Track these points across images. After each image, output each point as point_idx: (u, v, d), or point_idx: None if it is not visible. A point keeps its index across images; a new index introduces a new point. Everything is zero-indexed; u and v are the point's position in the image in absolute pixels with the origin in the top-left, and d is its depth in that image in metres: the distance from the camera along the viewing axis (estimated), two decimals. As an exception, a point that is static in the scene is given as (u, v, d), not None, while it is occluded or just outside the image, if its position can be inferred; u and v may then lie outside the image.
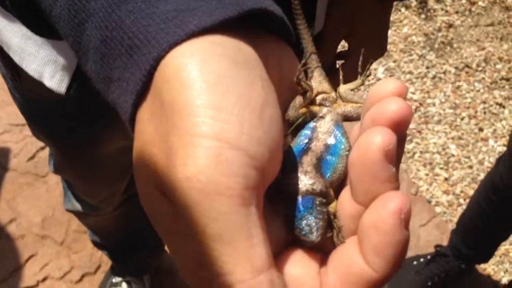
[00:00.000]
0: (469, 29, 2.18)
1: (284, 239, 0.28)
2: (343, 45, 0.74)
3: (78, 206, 1.09)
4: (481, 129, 1.95)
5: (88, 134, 0.77)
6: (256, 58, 0.26)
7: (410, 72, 2.08)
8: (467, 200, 1.75)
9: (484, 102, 2.00)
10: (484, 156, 1.89)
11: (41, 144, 1.71)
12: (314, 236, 0.27)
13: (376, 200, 0.25)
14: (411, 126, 1.95)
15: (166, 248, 1.49)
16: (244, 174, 0.23)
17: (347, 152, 0.29)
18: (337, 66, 0.75)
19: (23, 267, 1.54)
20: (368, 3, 0.69)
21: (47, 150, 1.44)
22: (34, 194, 1.67)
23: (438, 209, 1.78)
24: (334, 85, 0.34)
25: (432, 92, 2.03)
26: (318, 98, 0.32)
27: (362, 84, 0.34)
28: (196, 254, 0.24)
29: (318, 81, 0.33)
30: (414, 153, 1.90)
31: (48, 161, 1.02)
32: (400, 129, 0.26)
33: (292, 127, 0.30)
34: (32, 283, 1.52)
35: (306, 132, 0.30)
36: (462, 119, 1.97)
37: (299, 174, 0.28)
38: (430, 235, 1.72)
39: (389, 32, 2.17)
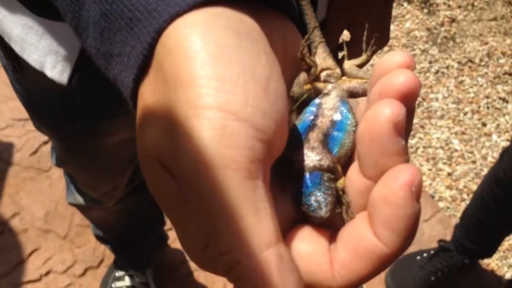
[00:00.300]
0: (472, 24, 2.17)
1: (292, 216, 0.28)
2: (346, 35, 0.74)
3: (80, 200, 1.09)
4: (484, 124, 1.94)
5: (90, 126, 0.77)
6: (259, 30, 0.26)
7: (413, 67, 2.07)
8: (471, 195, 1.75)
9: (487, 97, 2.00)
10: (487, 151, 1.89)
11: (44, 138, 1.71)
12: (323, 212, 0.26)
13: (386, 174, 0.25)
14: (414, 121, 1.95)
15: (168, 242, 1.49)
16: (250, 147, 0.23)
17: (353, 128, 0.29)
18: (340, 56, 0.75)
19: (26, 261, 1.54)
20: None
21: (49, 145, 1.44)
22: (37, 188, 1.67)
23: (441, 204, 1.78)
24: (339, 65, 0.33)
25: (435, 87, 2.02)
26: (323, 74, 0.31)
27: (368, 60, 0.34)
28: (202, 232, 0.24)
29: (322, 57, 0.32)
30: (417, 148, 1.89)
31: (51, 154, 1.02)
32: (409, 101, 0.25)
33: (297, 104, 0.30)
34: (35, 277, 1.52)
35: (312, 108, 0.30)
36: (465, 114, 1.97)
37: (305, 150, 0.28)
38: (434, 230, 1.72)
39: (392, 27, 2.16)
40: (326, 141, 0.28)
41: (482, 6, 2.22)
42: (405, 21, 2.19)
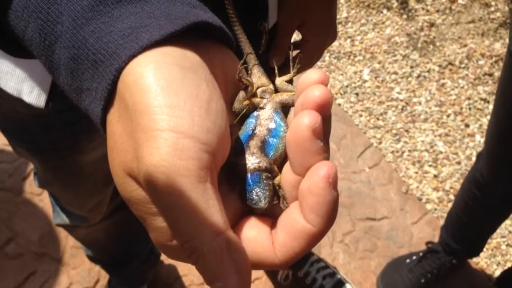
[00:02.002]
0: (450, 27, 2.22)
1: (240, 209, 0.34)
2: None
3: (66, 219, 1.11)
4: (467, 125, 1.98)
5: (69, 145, 0.80)
6: (200, 62, 0.31)
7: (395, 72, 2.11)
8: (457, 196, 1.78)
9: (469, 98, 2.04)
10: (471, 151, 1.92)
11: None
12: (263, 203, 0.32)
13: (309, 170, 0.31)
14: (399, 125, 1.98)
15: (162, 258, 1.51)
16: (198, 157, 0.28)
17: (286, 134, 0.34)
18: (290, 57, 0.81)
19: (23, 285, 1.56)
20: None
21: (40, 169, 1.47)
22: (31, 212, 1.69)
23: (429, 206, 1.81)
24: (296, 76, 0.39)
25: (418, 91, 2.06)
26: (259, 91, 0.37)
27: (294, 75, 0.39)
28: (167, 228, 0.29)
29: (257, 77, 0.38)
30: (403, 152, 1.93)
31: (34, 177, 1.05)
32: (324, 110, 0.31)
33: (238, 117, 0.36)
34: (32, 301, 1.55)
35: (251, 120, 0.36)
36: (448, 116, 2.00)
37: (247, 156, 0.34)
38: (422, 232, 1.75)
39: (372, 34, 2.20)
40: (264, 147, 0.34)
41: (459, 10, 2.26)
42: (385, 27, 2.23)
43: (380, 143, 1.95)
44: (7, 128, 0.80)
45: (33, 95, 0.62)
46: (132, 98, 0.29)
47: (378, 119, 2.01)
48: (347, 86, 2.08)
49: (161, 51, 0.30)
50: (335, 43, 2.19)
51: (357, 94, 2.07)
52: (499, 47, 2.15)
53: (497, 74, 2.09)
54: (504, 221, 1.45)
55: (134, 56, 0.30)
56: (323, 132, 0.31)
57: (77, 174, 0.91)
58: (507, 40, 2.16)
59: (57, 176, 0.92)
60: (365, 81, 2.10)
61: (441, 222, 1.76)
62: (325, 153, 0.31)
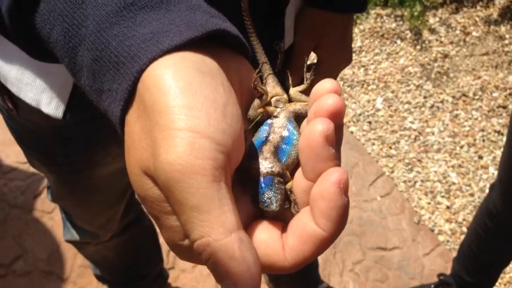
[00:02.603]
0: (464, 59, 2.22)
1: (252, 212, 0.34)
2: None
3: (76, 236, 1.12)
4: (480, 157, 1.97)
5: (84, 158, 0.80)
6: (218, 68, 0.32)
7: (408, 102, 2.11)
8: (470, 228, 1.76)
9: (483, 130, 2.03)
10: (485, 183, 1.90)
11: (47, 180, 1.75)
12: (274, 206, 0.33)
13: (321, 176, 0.31)
14: (411, 155, 1.97)
15: (169, 281, 1.50)
16: (213, 157, 0.29)
17: (298, 142, 0.35)
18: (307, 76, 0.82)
19: (29, 303, 1.55)
20: (331, 16, 0.76)
21: (53, 187, 1.47)
22: (40, 230, 1.69)
23: (441, 238, 1.79)
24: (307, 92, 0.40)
25: (431, 121, 2.06)
26: (273, 100, 0.38)
27: (308, 86, 0.40)
28: (179, 227, 0.30)
29: (272, 86, 0.39)
30: (415, 182, 1.91)
31: (47, 192, 1.05)
32: (336, 118, 0.32)
33: (252, 124, 0.37)
34: (38, 320, 1.53)
35: (265, 127, 0.37)
36: (461, 147, 1.99)
37: (260, 160, 0.35)
38: (434, 264, 1.72)
39: (386, 63, 2.22)
40: (277, 153, 0.35)
41: (473, 42, 2.28)
42: (399, 57, 2.24)
43: (393, 172, 1.94)
44: (24, 139, 0.81)
45: (51, 106, 0.63)
46: (151, 99, 0.30)
47: (390, 148, 2.00)
48: (360, 115, 2.09)
49: (181, 55, 0.31)
50: (349, 71, 2.20)
51: (370, 122, 2.07)
52: (513, 80, 2.15)
53: (511, 106, 2.08)
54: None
55: (154, 59, 0.31)
56: (335, 139, 0.32)
57: (90, 189, 0.91)
58: (521, 73, 2.16)
59: (70, 190, 0.92)
60: (378, 110, 2.10)
61: (454, 254, 1.73)
62: (337, 160, 0.32)
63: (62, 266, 1.63)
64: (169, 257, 1.63)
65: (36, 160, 0.85)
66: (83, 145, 0.77)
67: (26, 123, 0.75)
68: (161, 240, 1.41)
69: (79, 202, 0.97)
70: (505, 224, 1.30)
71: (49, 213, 1.73)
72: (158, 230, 1.34)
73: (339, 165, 0.32)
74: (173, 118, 0.29)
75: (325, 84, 0.33)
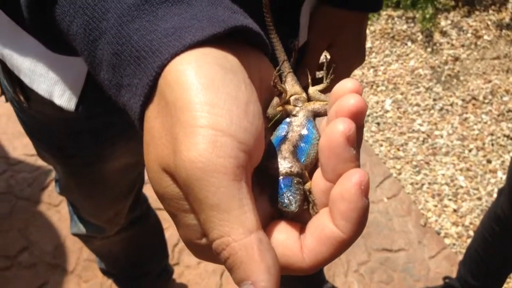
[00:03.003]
0: (475, 62, 2.21)
1: (270, 213, 0.34)
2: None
3: (83, 229, 1.12)
4: (489, 161, 1.95)
5: (94, 151, 0.81)
6: (239, 65, 0.32)
7: (418, 104, 2.10)
8: (476, 232, 1.75)
9: (492, 134, 2.02)
10: (493, 187, 1.89)
11: (55, 174, 1.75)
12: (293, 207, 0.32)
13: (341, 177, 0.31)
14: (419, 157, 1.96)
15: (174, 277, 1.50)
16: (235, 156, 0.28)
17: (317, 141, 0.35)
18: (320, 75, 0.81)
19: (34, 295, 1.56)
20: (346, 15, 0.75)
21: (60, 180, 1.48)
22: (47, 223, 1.70)
23: (447, 241, 1.78)
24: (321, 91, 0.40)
25: (440, 124, 2.05)
26: (292, 98, 0.38)
27: (327, 85, 0.40)
28: (197, 225, 0.30)
29: (291, 85, 0.39)
30: (423, 185, 1.90)
31: (55, 185, 1.06)
32: (358, 118, 0.31)
33: (272, 122, 0.36)
34: (42, 312, 1.54)
35: (283, 126, 0.36)
36: (470, 150, 1.98)
37: (279, 160, 0.34)
38: (440, 267, 1.71)
39: (396, 65, 2.21)
40: (296, 152, 0.35)
41: (485, 45, 2.26)
42: (409, 59, 2.23)
43: (400, 174, 1.93)
44: (34, 131, 0.81)
45: (64, 98, 0.63)
46: (173, 95, 0.29)
47: (398, 149, 1.99)
48: (368, 116, 2.08)
49: (203, 51, 0.31)
50: (358, 72, 2.19)
51: (378, 123, 2.06)
52: (524, 85, 2.14)
53: (521, 111, 2.07)
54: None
55: (176, 54, 0.30)
56: (356, 140, 0.31)
57: (99, 183, 0.91)
58: (532, 78, 2.15)
59: (79, 183, 0.92)
60: (386, 111, 2.09)
61: (459, 257, 1.72)
62: (357, 161, 0.31)
63: (67, 259, 1.63)
64: (174, 253, 1.63)
65: (46, 152, 0.85)
66: (93, 139, 0.77)
67: (37, 115, 0.75)
68: (167, 236, 1.41)
69: (87, 195, 0.97)
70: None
71: (55, 206, 1.73)
72: (163, 226, 1.35)
73: (359, 166, 0.31)
74: (195, 115, 0.28)
75: (347, 83, 0.33)
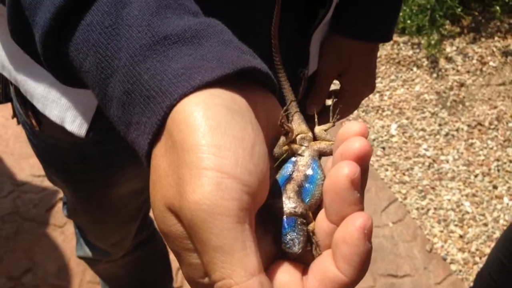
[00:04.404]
0: (480, 88, 2.22)
1: (273, 253, 0.34)
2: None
3: (89, 252, 1.12)
4: (495, 187, 1.95)
5: (102, 176, 0.81)
6: (247, 106, 0.33)
7: (423, 129, 2.11)
8: (483, 258, 1.73)
9: (498, 160, 2.01)
10: (499, 213, 1.88)
11: (60, 195, 1.76)
12: (297, 249, 0.33)
13: (345, 219, 0.31)
14: (425, 182, 1.96)
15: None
16: (239, 198, 0.29)
17: (322, 181, 0.35)
18: (328, 104, 0.81)
19: (37, 317, 1.55)
20: (357, 44, 0.75)
21: (66, 201, 1.48)
22: (51, 244, 1.70)
23: (453, 267, 1.76)
24: (326, 122, 0.40)
25: (445, 149, 2.05)
26: (298, 137, 0.38)
27: (333, 125, 0.40)
28: (200, 264, 0.30)
29: (297, 124, 0.40)
30: (428, 210, 1.90)
31: (62, 207, 1.06)
32: (363, 161, 0.32)
33: (278, 162, 0.37)
34: (44, 334, 1.53)
35: (289, 165, 0.37)
36: (476, 176, 1.97)
37: (284, 199, 0.34)
38: (446, 294, 1.69)
39: (402, 90, 2.22)
40: (300, 192, 0.35)
41: (490, 71, 2.27)
42: (414, 84, 2.24)
43: (405, 198, 1.92)
44: (44, 155, 0.82)
45: (75, 124, 0.64)
46: (180, 135, 0.30)
47: (404, 174, 1.99)
48: (374, 140, 2.08)
49: (211, 93, 0.31)
50: (364, 97, 2.20)
51: (383, 148, 2.06)
52: (530, 111, 2.14)
53: (527, 137, 2.07)
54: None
55: (185, 95, 0.31)
56: (361, 183, 0.32)
57: (106, 207, 0.92)
58: (538, 104, 2.15)
59: (87, 207, 0.93)
60: (392, 136, 2.10)
61: (466, 284, 1.70)
62: (361, 204, 0.32)
63: (71, 281, 1.62)
64: (178, 276, 1.62)
65: (55, 176, 0.86)
66: (102, 164, 0.78)
67: (48, 139, 0.76)
68: (172, 259, 1.40)
69: (94, 219, 0.98)
70: None
71: (60, 227, 1.73)
72: (168, 250, 1.34)
73: (363, 209, 0.32)
74: (201, 157, 0.29)
75: (353, 126, 0.33)
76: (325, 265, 0.32)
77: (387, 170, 2.00)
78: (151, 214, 1.18)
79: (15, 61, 0.63)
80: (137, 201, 0.95)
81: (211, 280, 0.29)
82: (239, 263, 0.28)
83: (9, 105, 0.86)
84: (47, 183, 1.82)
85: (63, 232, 1.72)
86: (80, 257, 1.17)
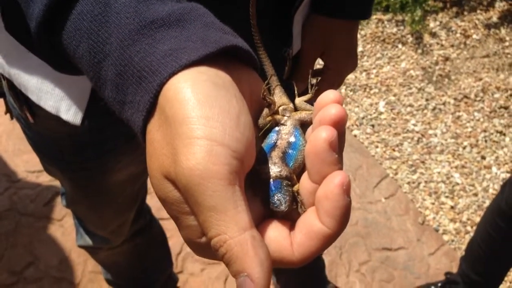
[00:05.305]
0: (465, 61, 2.25)
1: (262, 213, 0.38)
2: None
3: (89, 241, 1.14)
4: (483, 157, 1.99)
5: (99, 163, 0.84)
6: (231, 81, 0.36)
7: (411, 105, 2.14)
8: (474, 227, 1.78)
9: (485, 131, 2.05)
10: (488, 183, 1.92)
11: (57, 189, 1.78)
12: (284, 207, 0.36)
13: (326, 178, 0.35)
14: (415, 156, 2.00)
15: (179, 285, 1.52)
16: (229, 163, 0.32)
17: (304, 147, 0.38)
18: (313, 82, 0.84)
19: (41, 309, 1.58)
20: (337, 23, 0.78)
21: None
22: (51, 237, 1.72)
23: (446, 237, 1.81)
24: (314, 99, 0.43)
25: (433, 123, 2.08)
26: (280, 109, 0.42)
27: (312, 96, 0.44)
28: (197, 226, 0.33)
29: (279, 96, 0.43)
30: (419, 183, 1.94)
31: (61, 198, 1.08)
32: (339, 126, 0.35)
33: (262, 131, 0.40)
34: (50, 325, 1.55)
35: (273, 134, 0.40)
36: (464, 148, 2.01)
37: (270, 165, 0.38)
38: (440, 263, 1.74)
39: (388, 67, 2.24)
40: (285, 158, 0.38)
41: (474, 44, 2.30)
42: (400, 61, 2.27)
43: (396, 174, 1.96)
44: (40, 146, 0.84)
45: (70, 112, 0.66)
46: (172, 110, 0.33)
47: (394, 150, 2.02)
48: (363, 118, 2.11)
49: (198, 70, 0.34)
50: (351, 76, 2.23)
51: (373, 125, 2.09)
52: (514, 81, 2.17)
53: (513, 107, 2.11)
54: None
55: (174, 73, 0.34)
56: (338, 145, 0.35)
57: (104, 194, 0.94)
58: (522, 74, 2.19)
59: (85, 195, 0.95)
60: (380, 113, 2.13)
61: (458, 253, 1.75)
62: (339, 164, 0.35)
63: (72, 272, 1.65)
64: (177, 261, 1.65)
65: (52, 166, 0.88)
66: (98, 151, 0.80)
67: (43, 131, 0.78)
68: (170, 244, 1.43)
69: (93, 207, 1.00)
70: None
71: (59, 220, 1.75)
72: (167, 236, 1.37)
73: (341, 168, 0.35)
74: (192, 128, 0.32)
75: (329, 94, 0.36)
76: (310, 221, 0.35)
77: (377, 147, 2.03)
78: (148, 200, 1.20)
79: (7, 56, 0.65)
80: (134, 187, 0.97)
81: (208, 237, 0.32)
82: (232, 220, 0.32)
83: (0, 102, 0.88)
84: (42, 178, 1.84)
85: (62, 225, 1.74)
86: (81, 246, 1.20)
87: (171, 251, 1.45)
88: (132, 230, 1.15)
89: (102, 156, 0.81)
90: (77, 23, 0.37)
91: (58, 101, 0.65)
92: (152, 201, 1.27)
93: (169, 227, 1.59)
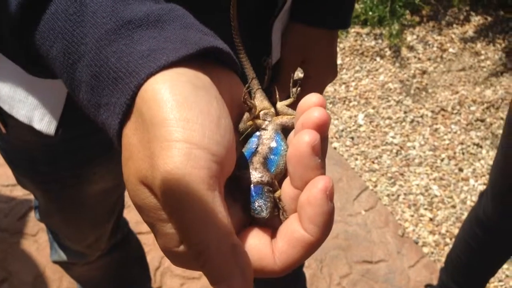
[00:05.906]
0: (442, 75, 2.28)
1: (243, 220, 0.36)
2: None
3: (64, 256, 1.11)
4: (461, 169, 2.01)
5: (73, 174, 0.81)
6: (210, 82, 0.34)
7: (389, 118, 2.15)
8: (453, 239, 1.78)
9: (462, 143, 2.08)
10: (466, 195, 1.94)
11: (31, 203, 1.74)
12: (265, 213, 0.35)
13: (308, 183, 0.33)
14: (394, 169, 2.01)
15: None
16: (208, 167, 0.30)
17: (286, 152, 0.37)
18: (292, 92, 0.84)
19: (14, 328, 1.53)
20: (317, 32, 0.78)
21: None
22: (25, 253, 1.67)
23: (425, 250, 1.81)
24: (295, 106, 0.42)
25: (411, 136, 2.10)
26: (261, 113, 0.40)
27: (294, 101, 0.42)
28: (175, 233, 0.31)
29: (260, 100, 0.42)
30: (398, 196, 1.94)
31: (34, 212, 1.05)
32: (322, 129, 0.34)
33: (243, 136, 0.39)
34: None
35: (254, 139, 0.39)
36: (442, 160, 2.03)
37: (250, 170, 0.37)
38: (420, 276, 1.74)
39: (366, 80, 2.26)
40: (266, 163, 0.37)
41: (450, 58, 2.34)
42: (378, 74, 2.29)
43: (376, 186, 1.97)
44: (13, 158, 0.81)
45: (43, 122, 0.64)
46: (149, 112, 0.31)
47: (373, 162, 2.03)
48: (342, 130, 2.12)
49: (176, 71, 0.33)
50: (331, 89, 2.24)
51: (352, 138, 2.10)
52: (490, 94, 2.21)
53: (489, 120, 2.14)
54: (506, 261, 1.45)
55: (152, 74, 0.32)
56: (321, 150, 0.34)
57: (79, 206, 0.91)
58: (497, 87, 2.22)
59: (59, 207, 0.92)
60: (360, 126, 2.14)
61: (438, 265, 1.75)
62: (322, 168, 0.34)
63: (47, 288, 1.61)
64: (156, 276, 1.62)
65: (25, 178, 0.85)
66: (72, 162, 0.78)
67: (15, 141, 0.75)
68: (148, 259, 1.41)
69: (68, 220, 0.97)
70: (495, 231, 1.32)
71: (33, 235, 1.71)
72: (145, 250, 1.35)
73: (324, 173, 0.34)
74: (170, 130, 0.30)
75: (311, 98, 0.35)
76: (292, 227, 0.33)
77: (356, 159, 2.04)
78: (125, 214, 1.18)
79: None
80: (110, 199, 0.95)
81: (188, 244, 0.31)
82: (211, 227, 0.30)
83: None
84: (16, 192, 1.79)
85: (36, 241, 1.70)
86: (55, 262, 1.16)
87: (150, 266, 1.43)
88: (109, 244, 1.12)
89: (75, 167, 0.79)
90: (51, 23, 0.35)
91: (31, 110, 0.63)
92: (129, 214, 1.24)
93: (148, 241, 1.56)
